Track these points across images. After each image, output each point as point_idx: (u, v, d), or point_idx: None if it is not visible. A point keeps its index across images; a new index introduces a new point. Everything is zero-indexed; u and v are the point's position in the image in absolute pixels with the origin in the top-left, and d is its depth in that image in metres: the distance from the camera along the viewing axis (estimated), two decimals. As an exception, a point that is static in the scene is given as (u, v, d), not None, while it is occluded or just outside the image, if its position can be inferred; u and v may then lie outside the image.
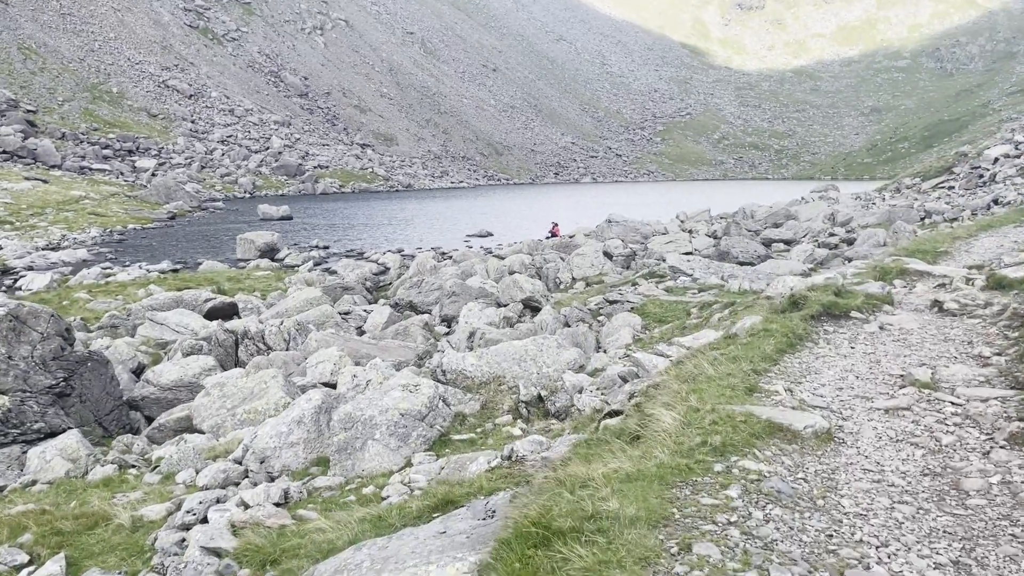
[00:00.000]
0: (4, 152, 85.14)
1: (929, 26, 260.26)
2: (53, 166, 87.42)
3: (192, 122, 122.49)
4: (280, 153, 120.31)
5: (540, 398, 7.82)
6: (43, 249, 40.92)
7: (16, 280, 30.43)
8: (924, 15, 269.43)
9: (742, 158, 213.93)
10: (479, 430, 7.87)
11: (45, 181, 73.91)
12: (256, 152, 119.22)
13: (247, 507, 6.60)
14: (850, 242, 31.09)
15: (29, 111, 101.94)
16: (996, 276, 8.05)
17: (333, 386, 12.02)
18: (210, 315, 22.09)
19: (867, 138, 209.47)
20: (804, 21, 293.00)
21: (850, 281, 8.80)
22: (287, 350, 16.38)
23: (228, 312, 22.58)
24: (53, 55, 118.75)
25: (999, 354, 6.02)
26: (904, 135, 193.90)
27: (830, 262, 27.81)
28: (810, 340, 6.98)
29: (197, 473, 7.86)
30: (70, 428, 10.47)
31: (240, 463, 7.74)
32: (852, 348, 7.01)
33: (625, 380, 8.35)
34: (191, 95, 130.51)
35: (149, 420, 12.44)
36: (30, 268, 34.37)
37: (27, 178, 72.90)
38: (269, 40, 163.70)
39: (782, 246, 31.86)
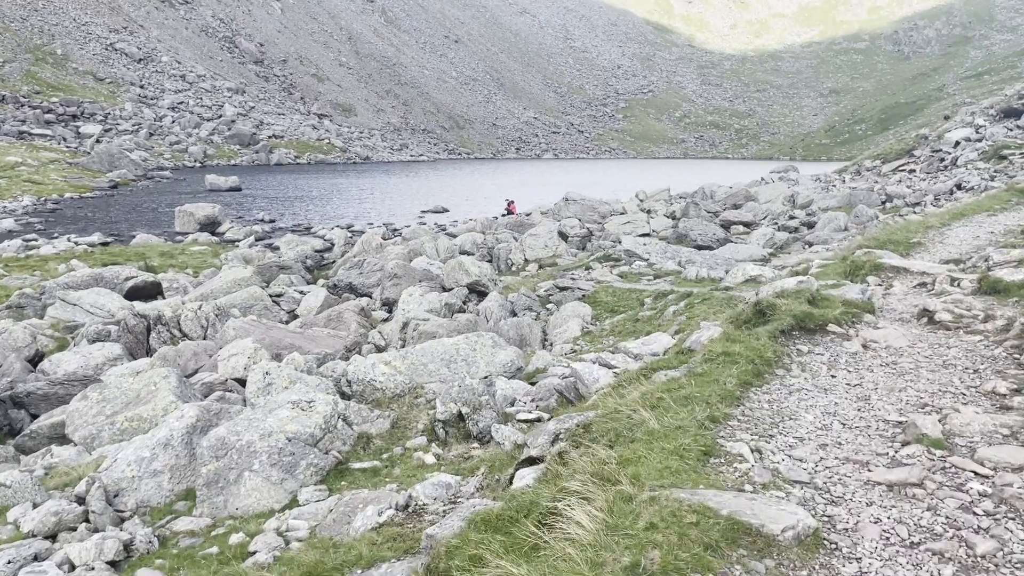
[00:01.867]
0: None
1: (888, 9, 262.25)
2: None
3: (141, 87, 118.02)
4: (233, 122, 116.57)
5: (460, 416, 6.62)
6: (-35, 219, 38.41)
7: (-72, 252, 28.18)
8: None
9: (703, 137, 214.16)
10: (385, 455, 6.62)
11: (-22, 146, 70.20)
12: (208, 120, 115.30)
13: (72, 567, 5.28)
14: (810, 225, 30.36)
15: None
16: (989, 279, 7.01)
17: (245, 383, 10.68)
18: (130, 295, 20.40)
19: (825, 119, 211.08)
20: (766, 1, 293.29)
21: (824, 284, 7.67)
22: (204, 338, 14.92)
23: (151, 292, 20.92)
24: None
25: (1018, 391, 4.92)
26: (861, 117, 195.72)
27: (790, 246, 27.01)
28: (781, 366, 5.66)
29: (35, 508, 6.48)
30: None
31: (82, 501, 6.37)
32: (833, 377, 5.74)
33: (562, 395, 7.17)
34: (140, 59, 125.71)
35: (36, 420, 10.95)
36: (-53, 239, 32.03)
37: (-41, 142, 69.13)
38: (224, 4, 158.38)
39: (741, 228, 31.00)
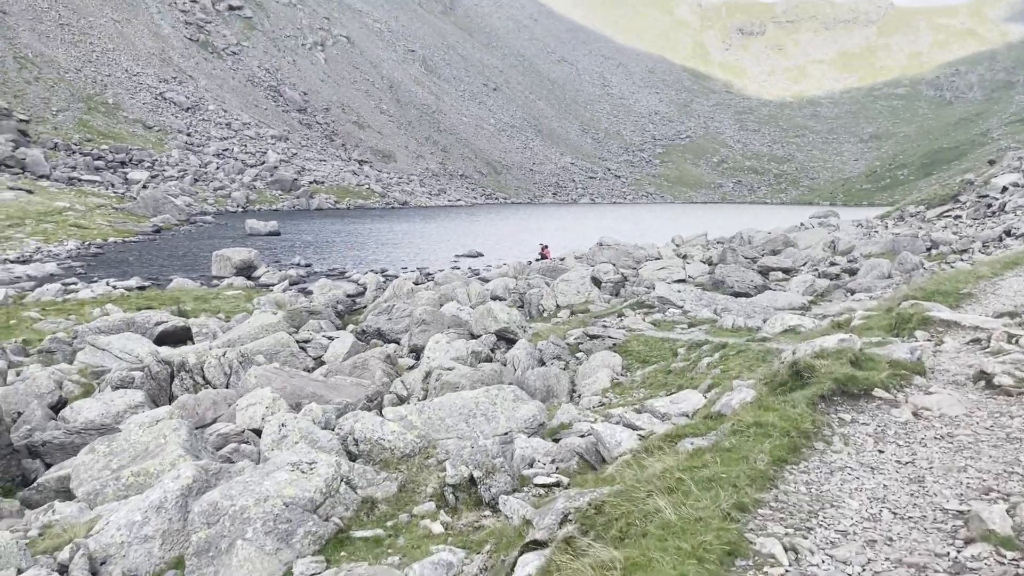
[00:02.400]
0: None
1: (928, 55, 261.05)
2: (42, 176, 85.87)
3: (188, 135, 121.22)
4: (276, 168, 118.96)
5: (472, 480, 6.17)
6: (11, 262, 39.22)
7: (-29, 295, 28.64)
8: (924, 44, 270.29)
9: (741, 182, 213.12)
10: (390, 523, 6.16)
11: (30, 191, 72.31)
12: (252, 166, 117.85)
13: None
14: (852, 272, 29.48)
15: (22, 120, 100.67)
16: (1052, 337, 6.40)
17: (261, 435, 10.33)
18: (160, 340, 20.36)
19: (866, 164, 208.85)
20: (804, 47, 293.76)
21: (868, 341, 7.10)
22: (227, 386, 14.67)
23: (181, 337, 20.87)
24: (49, 65, 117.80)
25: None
26: (903, 162, 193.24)
27: (831, 293, 26.17)
28: (820, 438, 5.02)
29: (19, 574, 6.15)
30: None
31: (65, 570, 6.00)
32: (881, 453, 5.05)
33: (583, 458, 6.68)
34: (188, 108, 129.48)
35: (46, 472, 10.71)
36: (-9, 282, 32.63)
37: (11, 188, 71.30)
38: (269, 55, 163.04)
39: (780, 275, 30.22)
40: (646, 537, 3.50)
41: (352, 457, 7.27)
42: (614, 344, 15.42)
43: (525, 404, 8.90)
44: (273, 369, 13.99)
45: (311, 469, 6.04)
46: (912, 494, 4.60)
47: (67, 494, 8.67)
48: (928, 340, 7.87)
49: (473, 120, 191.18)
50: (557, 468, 7.02)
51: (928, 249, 31.24)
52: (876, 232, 42.25)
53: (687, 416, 7.25)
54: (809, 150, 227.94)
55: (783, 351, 10.40)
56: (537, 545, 4.09)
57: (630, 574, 3.18)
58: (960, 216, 38.13)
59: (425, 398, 12.28)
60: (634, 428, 6.87)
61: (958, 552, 3.91)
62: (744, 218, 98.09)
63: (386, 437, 7.18)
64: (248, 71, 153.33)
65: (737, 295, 23.88)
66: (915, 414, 5.54)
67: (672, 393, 10.61)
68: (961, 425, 5.40)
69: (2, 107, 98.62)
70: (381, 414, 13.06)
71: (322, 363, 18.12)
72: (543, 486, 6.48)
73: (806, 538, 3.95)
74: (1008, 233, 26.74)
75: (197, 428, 12.24)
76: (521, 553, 4.13)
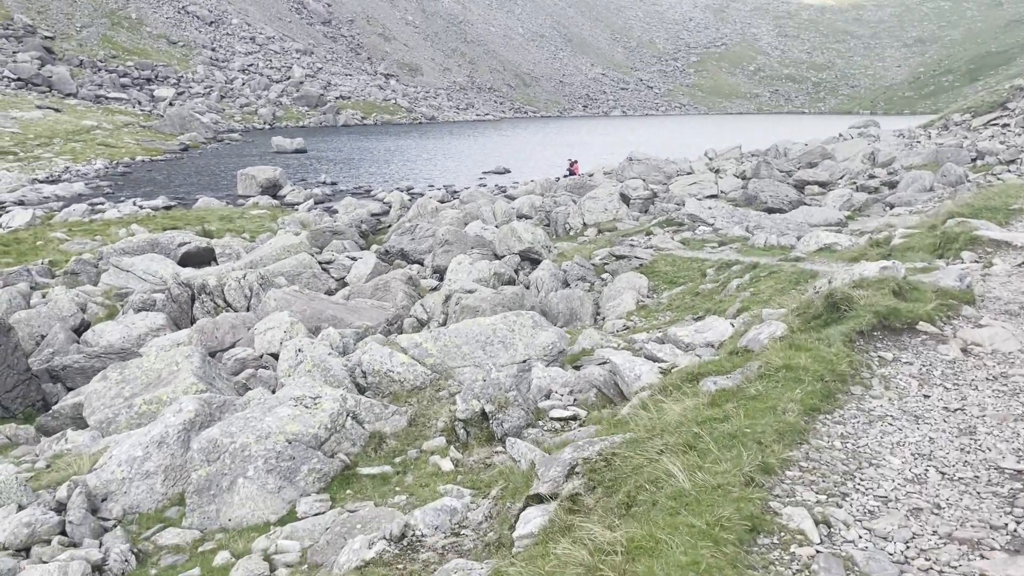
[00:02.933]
0: (19, 80, 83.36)
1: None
2: (68, 94, 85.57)
3: (212, 50, 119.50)
4: (301, 83, 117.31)
5: (484, 415, 5.89)
6: (40, 182, 39.33)
7: (0, 215, 28.78)
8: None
9: (778, 91, 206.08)
10: (399, 459, 5.93)
11: (57, 110, 72.17)
12: (277, 82, 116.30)
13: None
14: (892, 185, 28.41)
15: (47, 37, 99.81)
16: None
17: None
18: (184, 261, 20.29)
19: (910, 71, 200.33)
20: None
21: (912, 268, 6.53)
22: (248, 309, 14.55)
23: (204, 258, 20.78)
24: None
25: None
26: (948, 68, 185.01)
27: (870, 208, 25.25)
28: (858, 381, 4.50)
29: (19, 511, 6.04)
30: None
31: (62, 509, 5.88)
32: (926, 398, 4.51)
33: (600, 391, 6.35)
34: (211, 22, 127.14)
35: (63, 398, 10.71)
36: (20, 202, 32.77)
37: (39, 107, 71.20)
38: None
39: (816, 189, 29.20)
40: (655, 508, 3.11)
41: (361, 390, 7.03)
42: (641, 264, 14.96)
43: (544, 331, 8.56)
44: (293, 292, 13.80)
45: (315, 404, 5.79)
46: (962, 448, 4.07)
47: (82, 421, 8.62)
48: (976, 262, 7.31)
49: (501, 30, 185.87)
50: (575, 400, 6.72)
51: (973, 160, 29.93)
52: (918, 142, 40.57)
53: (712, 347, 6.86)
54: (850, 56, 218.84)
55: (818, 276, 9.87)
56: (541, 499, 3.79)
57: (633, 560, 2.80)
58: (1008, 124, 36.35)
59: (445, 322, 12.02)
60: (655, 360, 6.51)
61: (1017, 524, 3.39)
62: (780, 129, 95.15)
63: (395, 369, 6.90)
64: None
65: (771, 211, 23.12)
66: (964, 351, 5.06)
67: (699, 318, 10.20)
68: (1016, 363, 4.91)
69: (26, 23, 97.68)
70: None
71: (345, 284, 17.94)
72: (559, 419, 6.19)
73: (840, 506, 3.44)
74: (1061, 143, 25.37)
75: (216, 352, 12.16)
76: (525, 506, 3.84)
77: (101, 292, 17.40)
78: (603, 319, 12.54)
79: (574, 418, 6.18)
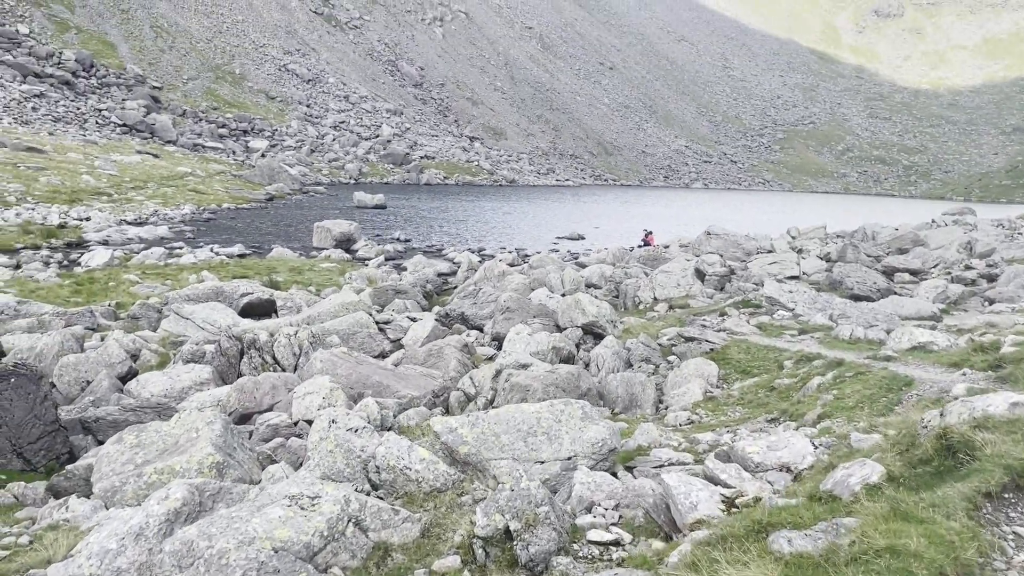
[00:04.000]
0: (125, 125, 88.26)
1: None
2: (169, 141, 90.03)
3: (307, 106, 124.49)
4: (389, 141, 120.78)
5: (508, 533, 5.02)
6: (127, 223, 40.65)
7: (83, 254, 29.60)
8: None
9: (867, 172, 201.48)
10: (403, 580, 5.10)
11: (156, 156, 75.69)
12: (366, 139, 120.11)
13: None
14: (991, 278, 26.45)
15: (155, 87, 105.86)
16: None
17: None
18: (245, 312, 20.14)
19: (1008, 159, 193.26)
20: (945, 31, 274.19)
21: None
22: (295, 368, 14.04)
23: (266, 309, 20.60)
24: (183, 35, 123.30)
25: None
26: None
27: (966, 301, 23.46)
28: (990, 572, 3.24)
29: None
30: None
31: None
32: None
33: (650, 515, 5.39)
34: (309, 80, 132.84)
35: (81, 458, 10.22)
36: (104, 242, 33.78)
37: (139, 151, 74.82)
38: (389, 29, 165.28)
39: (907, 277, 27.45)
40: None
41: (374, 486, 6.23)
42: (711, 349, 13.88)
43: (595, 424, 7.63)
44: (340, 354, 13.22)
45: (313, 505, 5.01)
46: None
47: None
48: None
49: (586, 99, 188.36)
50: (620, 516, 5.76)
51: (1085, 257, 27.75)
52: (1020, 234, 38.23)
53: (788, 471, 5.82)
54: (944, 141, 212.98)
55: (913, 383, 8.70)
56: None
57: None
58: (1124, 221, 33.88)
59: (493, 399, 11.18)
60: (716, 482, 5.53)
61: None
62: (868, 211, 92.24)
63: (413, 466, 6.08)
64: (368, 45, 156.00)
65: (857, 298, 21.65)
66: None
67: (773, 419, 9.09)
68: None
69: (137, 73, 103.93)
70: (447, 412, 12.08)
71: (400, 346, 17.37)
72: (598, 543, 5.25)
73: None
74: None
75: (253, 414, 11.60)
76: None
77: (159, 339, 17.25)
78: (666, 408, 11.49)
79: (617, 543, 5.23)
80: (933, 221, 50.00)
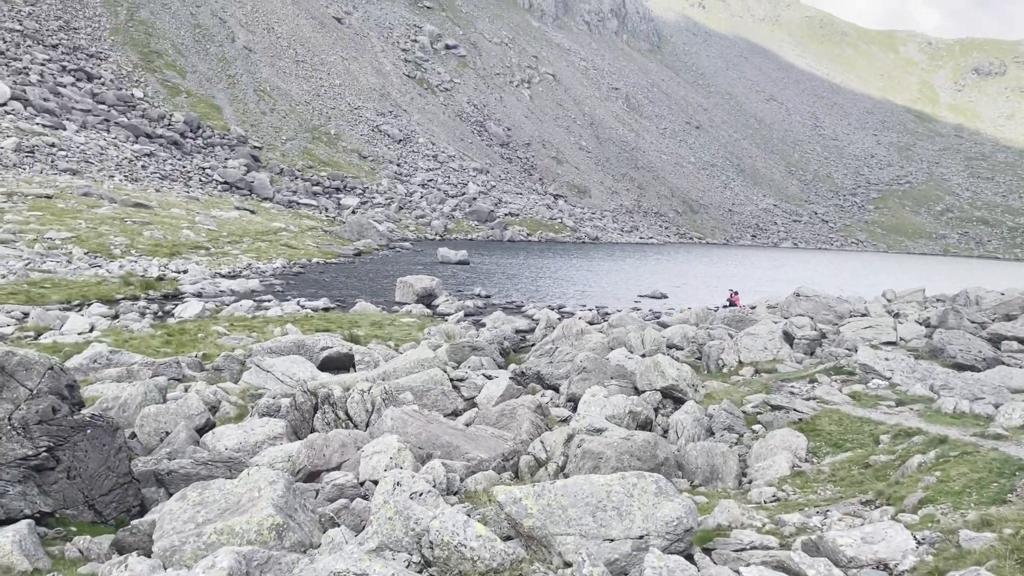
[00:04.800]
0: (226, 183, 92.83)
1: None
2: (265, 198, 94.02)
3: (398, 165, 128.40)
4: (475, 199, 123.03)
5: (567, 623, 4.58)
6: (222, 276, 42.17)
7: (177, 306, 30.73)
8: None
9: (968, 233, 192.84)
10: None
11: (252, 211, 78.97)
12: (452, 196, 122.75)
13: None
14: (1113, 349, 24.43)
15: (255, 147, 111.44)
16: None
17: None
18: (324, 365, 20.33)
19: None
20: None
21: None
22: (367, 425, 13.93)
23: (344, 363, 20.75)
24: (284, 97, 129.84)
25: None
26: None
27: (1085, 374, 21.65)
28: None
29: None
30: (35, 513, 8.45)
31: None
32: None
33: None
34: (400, 140, 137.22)
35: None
36: (198, 294, 35.06)
37: (237, 208, 78.27)
38: (478, 91, 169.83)
39: (1016, 346, 25.60)
40: None
41: (427, 563, 5.90)
42: (800, 419, 13.06)
43: (670, 501, 7.12)
44: (411, 412, 13.04)
45: (359, 584, 4.74)
46: None
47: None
48: None
49: (672, 158, 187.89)
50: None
51: None
52: None
53: (885, 568, 5.19)
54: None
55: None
56: None
57: None
58: None
59: (564, 465, 10.73)
60: (801, 578, 4.98)
61: None
62: (970, 274, 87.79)
63: (468, 543, 5.72)
64: (457, 106, 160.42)
65: (960, 368, 20.25)
66: None
67: (868, 500, 8.34)
68: None
69: (240, 134, 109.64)
70: (516, 476, 11.66)
71: (474, 404, 17.10)
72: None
73: None
74: None
75: (321, 472, 11.46)
76: None
77: (239, 391, 17.50)
78: (749, 482, 10.77)
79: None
80: (1044, 285, 46.98)
